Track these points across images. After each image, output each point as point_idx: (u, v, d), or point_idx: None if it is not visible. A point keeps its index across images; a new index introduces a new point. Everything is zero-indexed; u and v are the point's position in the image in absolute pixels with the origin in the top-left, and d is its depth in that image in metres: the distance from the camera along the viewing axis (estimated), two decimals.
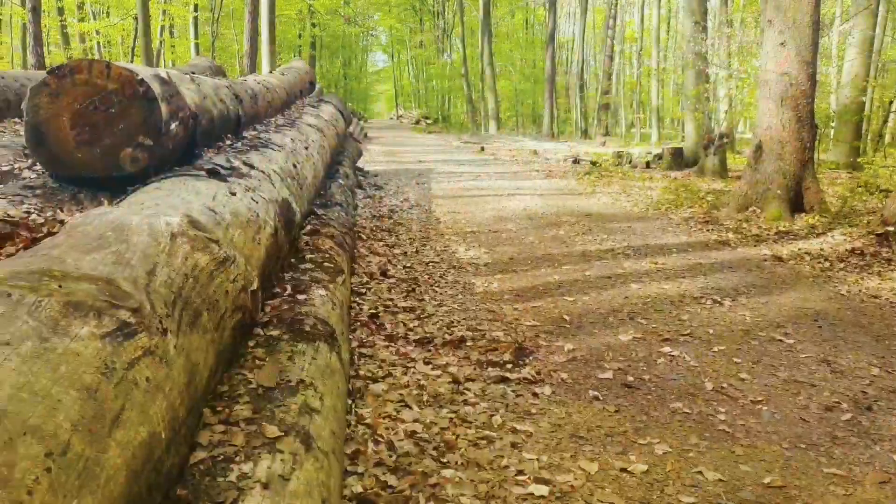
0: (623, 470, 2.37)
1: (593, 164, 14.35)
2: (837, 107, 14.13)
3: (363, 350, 3.32)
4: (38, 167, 3.42)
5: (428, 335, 3.60)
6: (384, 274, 4.85)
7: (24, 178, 3.17)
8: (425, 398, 2.85)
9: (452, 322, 3.87)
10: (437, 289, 4.56)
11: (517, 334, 3.69)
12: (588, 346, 3.58)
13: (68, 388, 1.16)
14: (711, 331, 3.87)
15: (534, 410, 2.81)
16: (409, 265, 5.19)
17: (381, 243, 5.94)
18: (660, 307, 4.29)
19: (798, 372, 3.29)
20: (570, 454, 2.47)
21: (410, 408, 2.73)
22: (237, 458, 1.64)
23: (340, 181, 6.87)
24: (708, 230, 7.05)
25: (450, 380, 3.06)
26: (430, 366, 3.21)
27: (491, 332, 3.70)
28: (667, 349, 3.56)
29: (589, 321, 3.99)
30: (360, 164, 11.56)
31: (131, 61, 21.02)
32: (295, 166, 4.42)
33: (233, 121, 4.39)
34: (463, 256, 5.56)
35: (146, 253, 1.81)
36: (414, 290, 4.48)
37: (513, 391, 2.98)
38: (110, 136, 2.78)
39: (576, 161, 15.12)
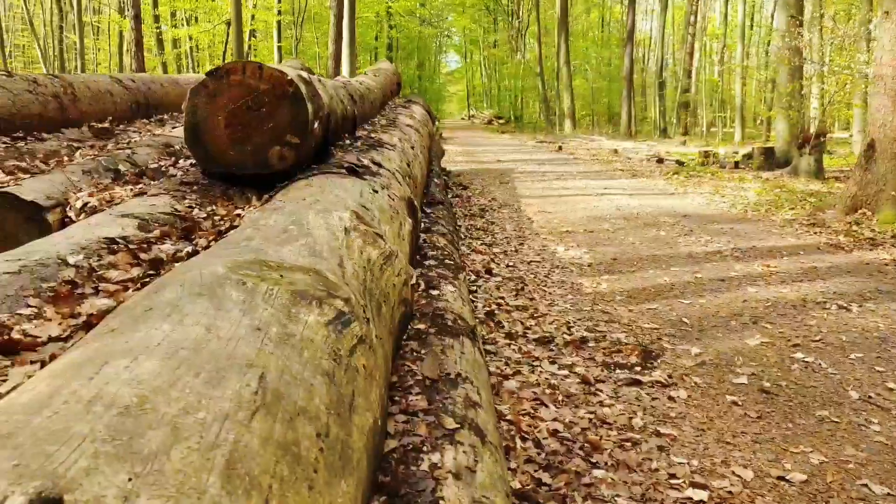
0: (780, 478, 2.29)
1: (679, 163, 13.94)
2: None
3: (487, 347, 3.34)
4: (182, 164, 3.62)
5: (547, 335, 3.59)
6: (489, 272, 4.86)
7: (174, 175, 3.36)
8: (560, 398, 2.84)
9: (569, 322, 3.83)
10: (545, 288, 4.54)
11: (639, 337, 3.63)
12: (715, 350, 3.48)
13: (314, 373, 1.22)
14: (844, 337, 3.68)
15: (672, 414, 2.75)
16: (511, 264, 5.19)
17: (478, 242, 5.96)
18: (782, 312, 4.12)
19: None
20: (721, 459, 2.40)
21: (547, 406, 2.73)
22: (424, 448, 1.68)
23: (436, 180, 6.95)
24: (815, 233, 6.71)
25: (579, 380, 3.04)
26: (556, 365, 3.20)
27: (611, 334, 3.65)
28: (800, 355, 3.41)
29: (710, 325, 3.87)
30: (441, 163, 11.66)
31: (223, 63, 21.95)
32: (409, 165, 4.50)
33: (350, 120, 4.51)
34: (564, 256, 5.51)
35: (331, 246, 1.88)
36: (522, 289, 4.47)
37: (647, 394, 2.93)
38: (260, 135, 2.91)
39: (660, 160, 14.73)
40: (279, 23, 23.35)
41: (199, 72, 26.46)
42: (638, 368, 3.19)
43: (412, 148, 5.42)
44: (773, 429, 2.65)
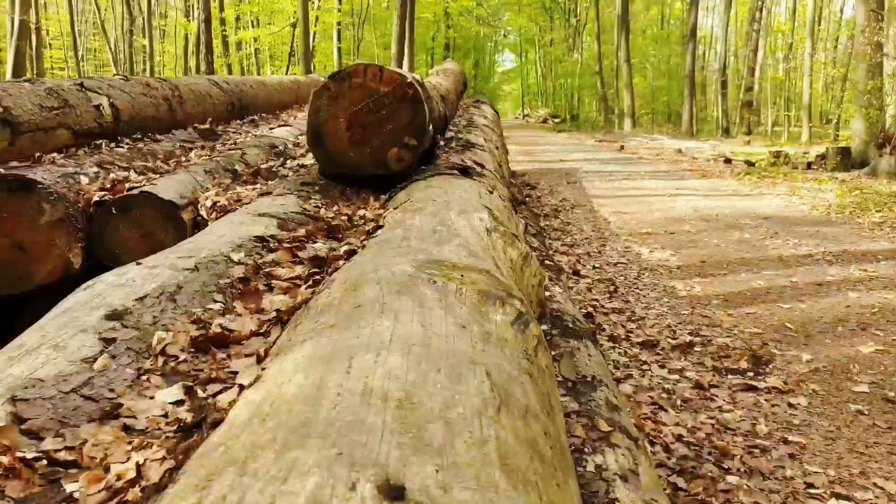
0: None
1: (749, 163, 13.53)
2: None
3: None
4: (290, 164, 3.73)
5: (651, 338, 3.55)
6: (577, 273, 4.84)
7: (286, 175, 3.46)
8: (677, 402, 2.80)
9: (670, 326, 3.78)
10: (637, 291, 4.49)
11: (745, 342, 3.55)
12: (827, 357, 3.37)
13: (520, 372, 1.25)
14: None
15: (796, 421, 2.68)
16: (597, 265, 5.15)
17: (559, 242, 5.93)
18: (892, 318, 3.96)
19: None
20: (858, 470, 2.33)
21: (666, 411, 2.70)
22: (585, 450, 1.69)
23: (511, 180, 6.95)
24: None
25: (692, 385, 2.99)
26: (666, 370, 3.16)
27: (716, 339, 3.58)
28: None
29: (816, 330, 3.76)
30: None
31: (288, 65, 22.49)
32: (501, 165, 4.52)
33: (443, 121, 4.56)
34: (649, 258, 5.43)
35: (482, 246, 1.91)
36: (615, 291, 4.43)
37: (765, 400, 2.86)
38: (379, 136, 2.97)
39: (727, 161, 14.34)
40: (339, 24, 23.76)
41: (262, 73, 27.16)
42: (751, 374, 3.12)
43: (497, 148, 5.45)
44: None
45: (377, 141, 2.98)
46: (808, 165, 13.25)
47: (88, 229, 2.71)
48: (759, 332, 3.74)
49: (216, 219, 2.74)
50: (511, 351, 1.30)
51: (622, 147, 18.00)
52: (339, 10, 23.47)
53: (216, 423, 0.99)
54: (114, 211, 2.70)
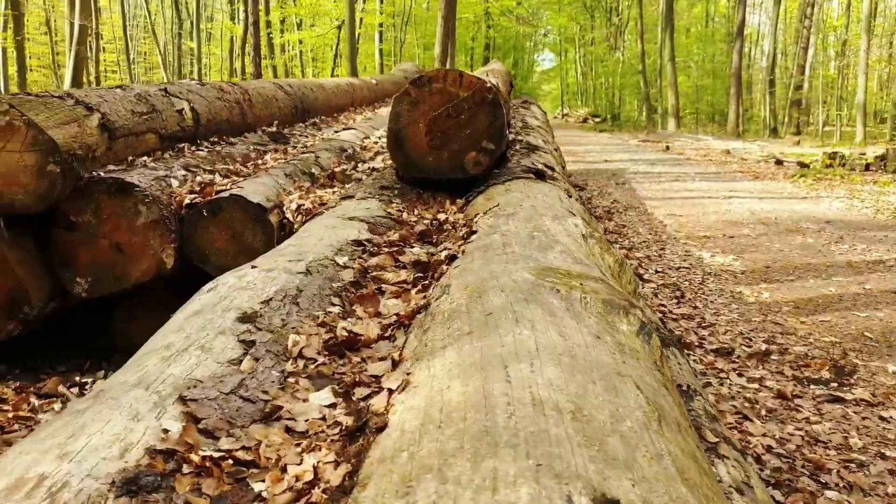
0: None
1: (802, 165, 13.16)
2: None
3: None
4: (362, 168, 3.78)
5: (725, 346, 3.49)
6: (640, 277, 4.78)
7: (360, 179, 3.51)
8: (761, 412, 2.75)
9: (742, 333, 3.71)
10: (704, 297, 4.42)
11: (823, 351, 3.46)
12: None
13: (658, 384, 1.24)
14: None
15: (891, 436, 2.61)
16: (659, 270, 5.08)
17: (617, 245, 5.87)
18: None
19: None
20: None
21: (752, 421, 2.65)
22: None
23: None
24: None
25: (774, 395, 2.94)
26: (745, 378, 3.10)
27: (791, 347, 3.50)
28: None
29: None
30: None
31: (333, 66, 22.78)
32: (564, 168, 4.50)
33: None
34: (711, 263, 5.34)
35: (584, 253, 1.91)
36: (682, 296, 4.37)
37: (854, 412, 2.79)
38: (458, 141, 2.99)
39: (778, 162, 13.98)
40: (381, 25, 23.95)
41: (306, 74, 27.57)
42: (834, 385, 3.04)
43: (556, 150, 5.42)
44: None
45: (455, 145, 3.00)
46: (867, 167, 12.81)
47: (180, 231, 2.79)
48: (836, 340, 3.64)
49: (302, 221, 2.80)
50: (644, 362, 1.30)
51: (668, 147, 17.71)
52: (381, 12, 23.67)
53: (380, 428, 1.02)
54: (204, 213, 2.78)
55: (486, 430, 0.89)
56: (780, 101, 27.43)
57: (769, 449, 2.44)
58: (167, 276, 2.84)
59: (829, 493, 2.18)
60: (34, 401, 2.50)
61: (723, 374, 3.13)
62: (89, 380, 2.75)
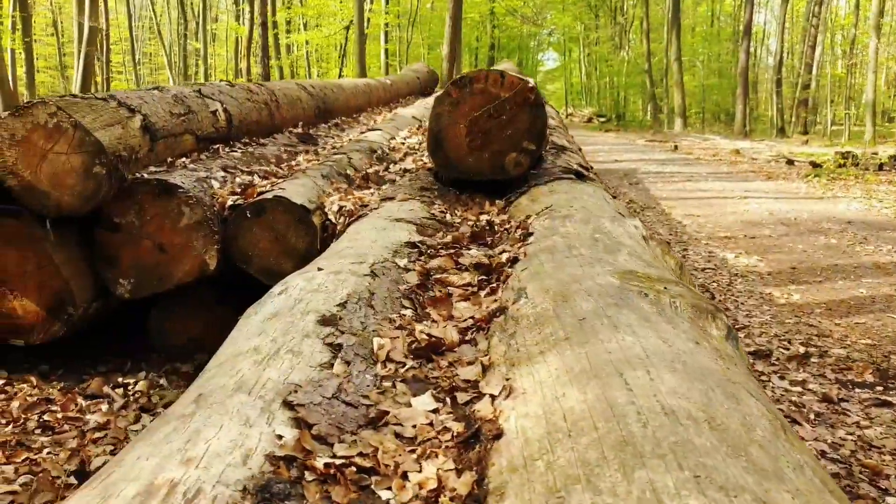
0: None
1: (814, 165, 13.12)
2: None
3: None
4: (394, 169, 3.76)
5: (763, 348, 3.46)
6: None
7: (394, 180, 3.49)
8: (809, 416, 2.73)
9: (777, 335, 3.69)
10: (734, 298, 4.39)
11: (864, 353, 3.44)
12: None
13: (758, 391, 1.22)
14: None
15: None
16: None
17: None
18: None
19: None
20: None
21: (801, 425, 2.63)
22: None
23: None
24: None
25: (819, 398, 2.91)
26: (787, 381, 3.08)
27: (830, 349, 3.48)
28: None
29: None
30: None
31: (341, 67, 22.77)
32: (590, 170, 4.48)
33: None
34: (736, 264, 5.31)
35: (650, 255, 1.89)
36: (712, 297, 4.35)
37: None
38: (498, 142, 2.97)
39: (790, 162, 13.95)
40: (387, 25, 23.94)
41: (311, 75, 27.56)
42: (880, 388, 3.02)
43: (579, 150, 5.40)
44: None
45: (496, 146, 2.98)
46: (880, 167, 12.77)
47: (223, 232, 2.77)
48: (874, 343, 3.61)
49: (345, 223, 2.78)
50: (741, 367, 1.28)
51: (676, 147, 17.68)
52: (387, 12, 23.65)
53: (497, 436, 1.00)
54: (248, 214, 2.76)
55: (624, 440, 0.86)
56: (788, 101, 27.35)
57: (823, 454, 2.42)
58: (209, 277, 2.83)
59: (889, 500, 2.16)
60: (80, 401, 2.49)
61: (764, 377, 3.11)
62: (131, 380, 2.73)
